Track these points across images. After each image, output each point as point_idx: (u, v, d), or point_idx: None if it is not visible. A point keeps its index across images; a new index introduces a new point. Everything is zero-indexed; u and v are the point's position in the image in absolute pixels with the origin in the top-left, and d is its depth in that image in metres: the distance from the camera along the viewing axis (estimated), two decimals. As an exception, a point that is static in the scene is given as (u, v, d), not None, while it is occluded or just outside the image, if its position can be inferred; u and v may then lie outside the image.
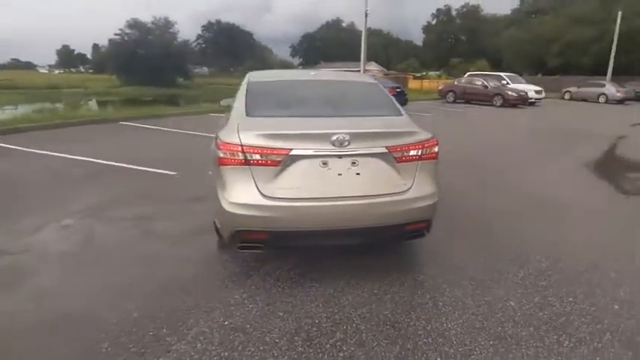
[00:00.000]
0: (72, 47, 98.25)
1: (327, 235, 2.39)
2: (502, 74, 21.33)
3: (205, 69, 63.79)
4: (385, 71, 41.37)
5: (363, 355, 1.90)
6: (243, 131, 2.32)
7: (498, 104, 17.51)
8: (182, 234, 3.25)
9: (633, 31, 28.06)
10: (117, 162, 5.41)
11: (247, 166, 2.27)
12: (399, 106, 2.92)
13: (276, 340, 2.00)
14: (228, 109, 3.93)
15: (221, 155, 2.32)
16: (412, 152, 2.41)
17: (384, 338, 2.03)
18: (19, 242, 3.03)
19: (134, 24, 32.53)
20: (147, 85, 27.67)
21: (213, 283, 2.53)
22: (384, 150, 2.33)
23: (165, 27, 34.00)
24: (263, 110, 2.66)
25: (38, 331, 2.05)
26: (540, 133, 10.10)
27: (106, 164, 5.36)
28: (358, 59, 20.61)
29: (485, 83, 18.51)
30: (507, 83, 19.74)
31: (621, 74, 27.38)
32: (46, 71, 71.65)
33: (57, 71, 76.39)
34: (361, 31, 20.04)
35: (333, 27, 74.81)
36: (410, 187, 2.42)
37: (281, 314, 2.21)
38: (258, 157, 2.26)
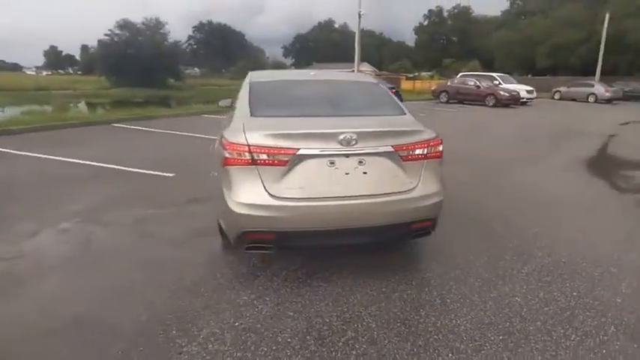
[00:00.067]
0: (60, 48, 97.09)
1: (334, 234, 2.39)
2: (494, 74, 21.61)
3: (197, 70, 63.37)
4: (377, 72, 41.53)
5: (375, 352, 1.92)
6: (249, 131, 2.31)
7: (491, 104, 17.72)
8: (184, 236, 3.23)
9: (620, 33, 28.63)
10: (112, 164, 5.36)
11: (254, 166, 2.27)
12: (402, 105, 2.94)
13: (288, 340, 2.00)
14: (227, 109, 3.93)
15: (227, 155, 2.31)
16: (418, 151, 2.44)
17: (395, 336, 2.04)
18: (16, 247, 2.97)
19: (124, 24, 32.04)
20: (137, 87, 27.26)
21: (220, 284, 2.52)
22: (391, 149, 2.35)
23: (156, 27, 33.53)
24: (267, 110, 2.65)
25: (44, 338, 2.01)
26: (535, 132, 10.27)
27: (101, 167, 5.29)
28: (351, 60, 20.72)
29: (478, 83, 18.72)
30: (499, 83, 19.99)
31: (609, 74, 27.98)
32: (34, 73, 70.39)
33: (44, 73, 75.11)
34: (354, 32, 20.19)
35: (326, 28, 75.03)
36: (416, 186, 2.44)
37: (291, 314, 2.22)
38: (265, 156, 2.26)
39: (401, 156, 2.39)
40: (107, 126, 9.06)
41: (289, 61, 75.14)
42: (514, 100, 17.92)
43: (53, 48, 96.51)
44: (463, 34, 56.18)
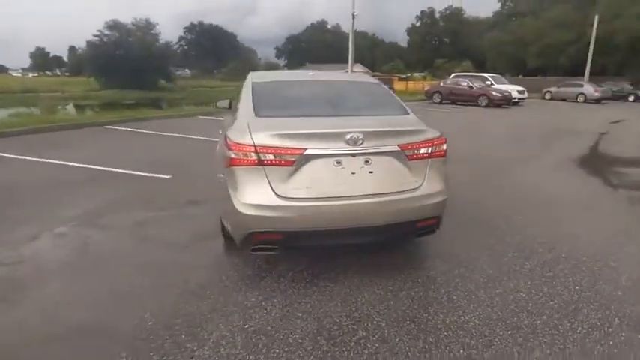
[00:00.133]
0: (47, 50, 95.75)
1: (340, 234, 2.40)
2: (486, 75, 21.85)
3: (187, 71, 63.03)
4: (370, 73, 41.78)
5: (387, 350, 1.93)
6: (255, 132, 2.31)
7: (483, 104, 17.90)
8: (187, 238, 3.20)
9: (608, 35, 29.19)
10: (108, 167, 5.31)
11: (261, 167, 2.27)
12: (404, 105, 2.97)
13: (300, 341, 2.00)
14: (225, 110, 3.92)
15: (233, 156, 2.31)
16: (423, 150, 2.46)
17: (406, 333, 2.06)
18: (15, 252, 2.93)
19: (114, 25, 31.66)
20: (127, 88, 26.91)
21: (226, 286, 2.51)
22: (397, 148, 2.38)
23: (146, 28, 33.18)
24: (272, 111, 2.66)
25: (49, 343, 1.99)
26: (528, 131, 10.41)
27: (96, 169, 5.23)
28: (343, 61, 20.81)
29: (471, 84, 18.91)
30: (491, 84, 20.21)
31: (597, 75, 28.50)
32: (20, 75, 69.41)
33: (31, 74, 74.17)
34: (346, 33, 20.33)
35: (318, 29, 75.24)
36: (421, 185, 2.46)
37: (300, 315, 2.22)
38: (271, 157, 2.26)
39: (406, 155, 2.41)
40: (99, 128, 8.96)
41: (282, 62, 75.24)
42: (506, 101, 18.13)
43: (40, 49, 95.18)
44: (455, 35, 56.78)
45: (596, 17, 27.36)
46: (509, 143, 8.51)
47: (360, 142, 2.30)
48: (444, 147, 2.57)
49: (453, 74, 22.84)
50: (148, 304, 2.29)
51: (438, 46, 58.88)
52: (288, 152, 2.25)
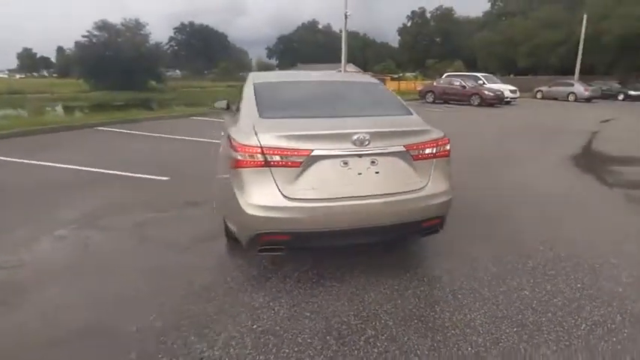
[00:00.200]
0: (34, 51, 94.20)
1: (347, 234, 2.41)
2: (478, 75, 22.07)
3: (178, 72, 62.47)
4: (362, 73, 41.86)
5: (397, 349, 1.94)
6: (261, 133, 2.31)
7: (476, 104, 18.08)
8: (189, 240, 3.18)
9: (597, 34, 29.70)
10: (103, 169, 5.24)
11: (267, 168, 2.26)
12: (407, 105, 2.99)
13: (309, 341, 2.00)
14: (223, 111, 3.90)
15: (239, 158, 2.30)
16: (428, 150, 2.48)
17: (414, 332, 2.07)
18: (16, 256, 2.88)
19: (103, 26, 31.14)
20: (117, 89, 26.46)
21: (232, 287, 2.50)
22: (403, 149, 2.39)
23: (136, 29, 32.69)
24: (276, 111, 2.65)
25: (56, 346, 1.97)
26: (522, 130, 10.55)
27: (92, 171, 5.17)
28: (335, 61, 20.82)
29: (464, 83, 19.09)
30: (484, 83, 20.43)
31: (587, 74, 28.98)
32: (6, 76, 68.12)
33: (18, 76, 72.96)
34: (337, 33, 20.44)
35: (310, 29, 75.25)
36: (426, 185, 2.48)
37: (308, 314, 2.22)
38: (278, 158, 2.26)
39: (412, 155, 2.42)
40: (91, 130, 8.85)
41: (273, 62, 75.03)
42: (499, 100, 18.33)
43: (27, 50, 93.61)
44: (446, 34, 57.25)
45: (585, 17, 27.80)
46: (506, 142, 8.59)
47: (367, 143, 2.31)
48: (448, 147, 2.60)
49: (445, 74, 23.02)
50: (154, 307, 2.28)
51: (429, 45, 59.27)
52: (295, 153, 2.25)
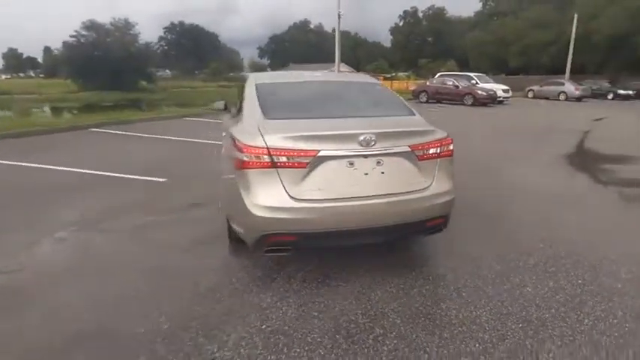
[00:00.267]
0: (20, 51, 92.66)
1: (353, 234, 2.43)
2: (471, 74, 22.25)
3: (168, 72, 61.85)
4: (356, 73, 41.95)
5: (406, 346, 1.97)
6: (267, 134, 2.32)
7: (469, 103, 18.25)
8: (192, 241, 3.17)
9: (587, 34, 30.16)
10: (100, 171, 5.19)
11: (274, 169, 2.27)
12: (409, 105, 3.02)
13: (319, 340, 2.02)
14: (221, 112, 3.89)
15: (245, 159, 2.30)
16: (432, 150, 2.51)
17: (422, 329, 2.10)
18: (16, 259, 2.85)
19: (91, 25, 30.69)
20: (106, 90, 26.10)
21: (238, 288, 2.51)
22: (408, 149, 2.42)
23: (125, 28, 32.28)
24: (281, 112, 2.65)
25: (66, 347, 1.96)
26: (516, 129, 10.70)
27: (89, 173, 5.12)
28: (327, 60, 20.84)
29: (457, 83, 19.24)
30: (476, 83, 20.61)
31: (577, 73, 29.41)
32: (-9, 77, 67.01)
33: (3, 76, 71.76)
34: (329, 33, 20.51)
35: (301, 28, 75.08)
36: (430, 185, 2.51)
37: (316, 314, 2.24)
38: (285, 159, 2.27)
39: (417, 155, 2.45)
40: (84, 131, 8.75)
41: (265, 62, 74.73)
42: (491, 99, 18.53)
43: (13, 50, 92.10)
44: (438, 34, 57.57)
45: (575, 17, 28.21)
46: (501, 142, 8.70)
47: (373, 143, 2.33)
48: (451, 147, 2.63)
49: (438, 74, 23.16)
50: (161, 308, 2.27)
51: (422, 45, 59.55)
52: (302, 154, 2.26)
